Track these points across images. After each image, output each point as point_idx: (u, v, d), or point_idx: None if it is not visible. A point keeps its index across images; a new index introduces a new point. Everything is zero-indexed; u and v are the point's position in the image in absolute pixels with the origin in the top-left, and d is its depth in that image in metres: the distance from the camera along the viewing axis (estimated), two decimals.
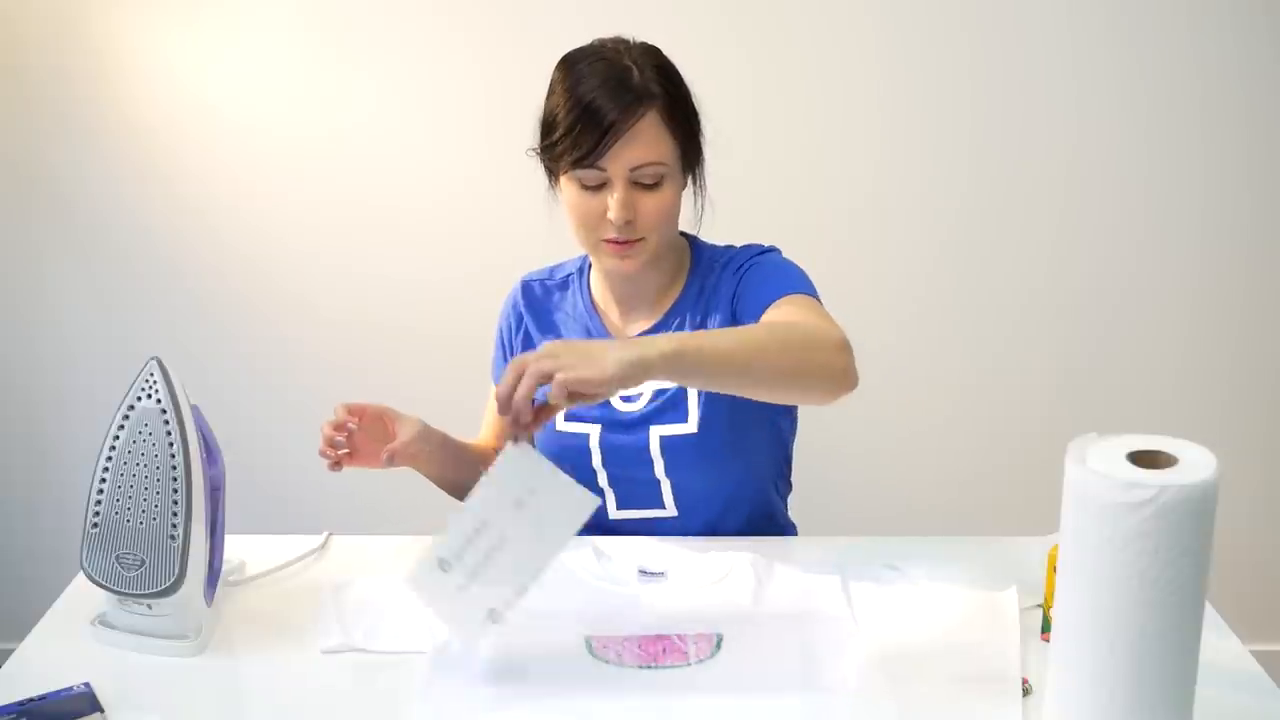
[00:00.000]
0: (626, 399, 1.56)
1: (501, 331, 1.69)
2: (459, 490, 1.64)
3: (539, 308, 1.65)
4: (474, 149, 2.31)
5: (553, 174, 1.53)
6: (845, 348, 1.34)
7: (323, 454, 1.52)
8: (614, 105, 1.41)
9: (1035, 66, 2.27)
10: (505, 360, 1.67)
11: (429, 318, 2.36)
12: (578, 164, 1.44)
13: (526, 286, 1.67)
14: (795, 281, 1.49)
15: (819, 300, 1.47)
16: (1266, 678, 1.25)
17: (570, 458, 1.55)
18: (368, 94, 2.30)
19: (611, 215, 1.44)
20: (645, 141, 1.43)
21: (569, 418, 1.57)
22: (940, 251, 2.38)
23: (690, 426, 1.52)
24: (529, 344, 1.64)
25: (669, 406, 1.54)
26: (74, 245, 2.37)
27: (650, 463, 1.54)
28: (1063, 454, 1.05)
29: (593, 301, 1.62)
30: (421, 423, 1.58)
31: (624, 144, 1.42)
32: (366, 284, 2.38)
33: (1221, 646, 1.28)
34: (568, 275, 1.66)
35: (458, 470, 1.63)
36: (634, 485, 1.57)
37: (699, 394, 1.53)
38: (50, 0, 2.23)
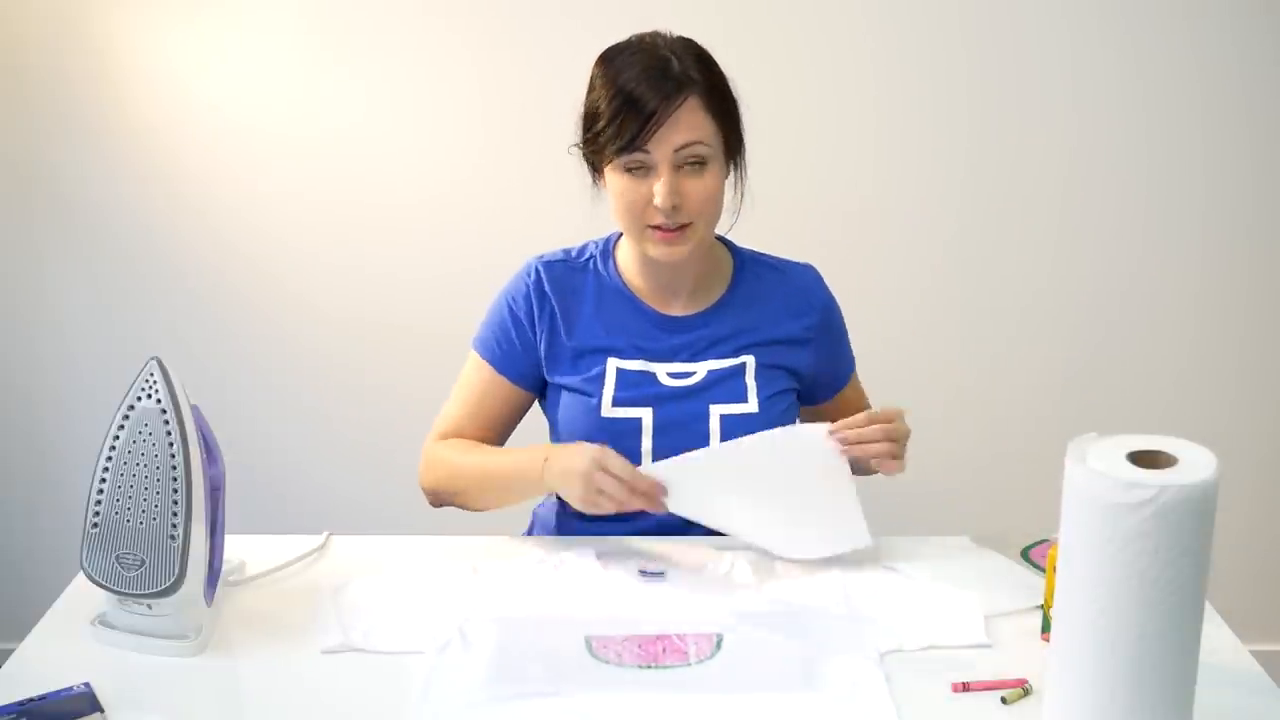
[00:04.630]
0: (679, 375, 1.56)
1: (512, 309, 1.59)
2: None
3: (563, 289, 1.59)
4: (475, 149, 2.30)
5: (596, 168, 1.53)
6: None
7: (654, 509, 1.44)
8: (655, 91, 1.44)
9: (1035, 67, 2.27)
10: (514, 338, 1.59)
11: (430, 317, 2.35)
12: (622, 150, 1.45)
13: (549, 266, 1.60)
14: (851, 360, 1.72)
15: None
16: (1266, 678, 1.25)
17: (616, 441, 1.49)
18: (368, 94, 2.29)
19: (658, 200, 1.46)
20: (687, 124, 1.46)
21: (618, 402, 1.55)
22: (941, 252, 2.38)
23: (752, 406, 1.55)
24: (555, 330, 1.58)
25: (727, 386, 1.56)
26: (74, 245, 2.37)
27: (706, 438, 1.54)
28: (1063, 454, 1.05)
29: (624, 282, 1.61)
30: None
31: (667, 129, 1.45)
32: (367, 284, 2.38)
33: (1221, 646, 1.28)
34: (589, 257, 1.62)
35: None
36: None
37: (755, 375, 1.57)
38: (50, 0, 2.23)
